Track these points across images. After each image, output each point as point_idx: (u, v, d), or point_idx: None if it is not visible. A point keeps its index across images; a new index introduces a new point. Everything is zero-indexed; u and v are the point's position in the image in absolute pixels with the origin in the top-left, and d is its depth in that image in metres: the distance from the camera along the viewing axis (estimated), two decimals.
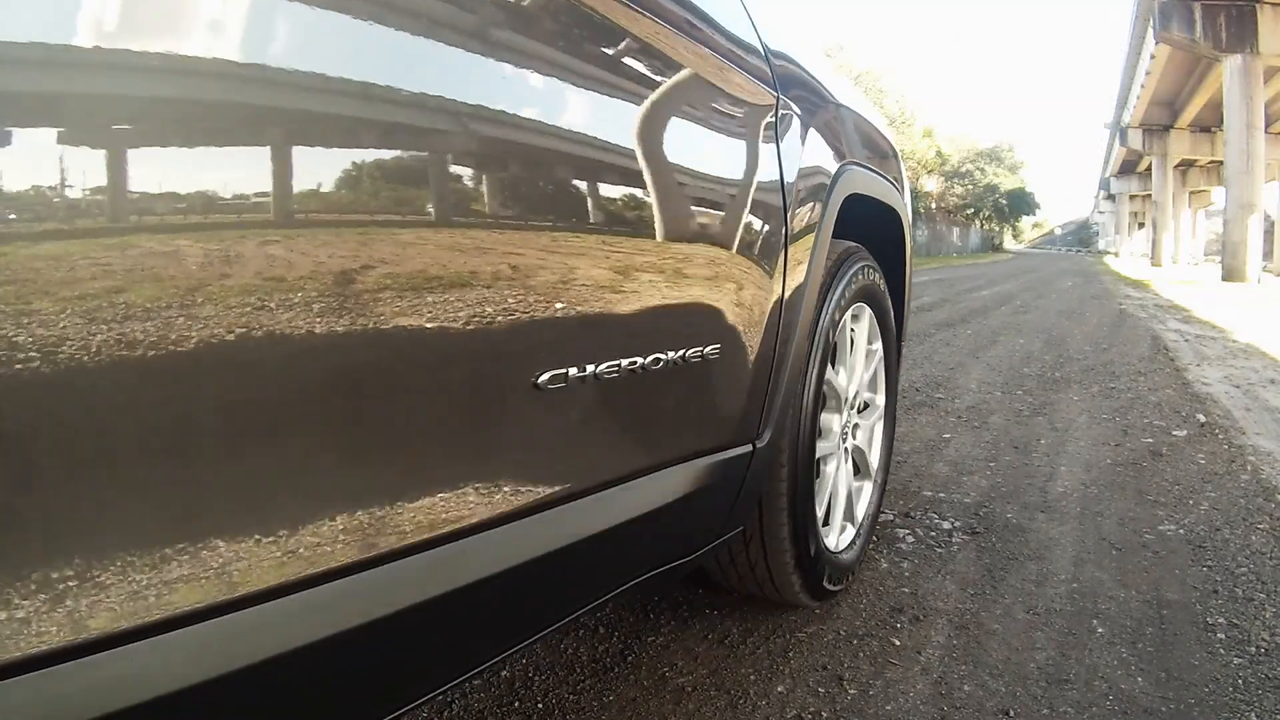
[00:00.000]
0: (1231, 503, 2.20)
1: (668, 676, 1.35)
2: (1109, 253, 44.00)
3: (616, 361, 0.84)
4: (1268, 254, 20.26)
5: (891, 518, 2.07)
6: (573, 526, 0.83)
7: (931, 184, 38.74)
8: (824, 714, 1.24)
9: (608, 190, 0.83)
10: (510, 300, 0.69)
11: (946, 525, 2.03)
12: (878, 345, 1.77)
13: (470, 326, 0.66)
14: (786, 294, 1.18)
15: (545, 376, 0.75)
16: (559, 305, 0.75)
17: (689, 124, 0.97)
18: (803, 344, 1.28)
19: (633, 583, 1.03)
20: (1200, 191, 37.92)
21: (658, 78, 0.90)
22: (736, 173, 1.07)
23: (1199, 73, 20.36)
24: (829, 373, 1.47)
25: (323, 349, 0.56)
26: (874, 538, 1.92)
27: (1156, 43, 16.80)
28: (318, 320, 0.55)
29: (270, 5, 0.53)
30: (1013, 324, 6.75)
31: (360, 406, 0.60)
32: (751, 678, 1.34)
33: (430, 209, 0.64)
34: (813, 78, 1.40)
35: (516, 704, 1.26)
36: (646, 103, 0.87)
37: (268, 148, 0.53)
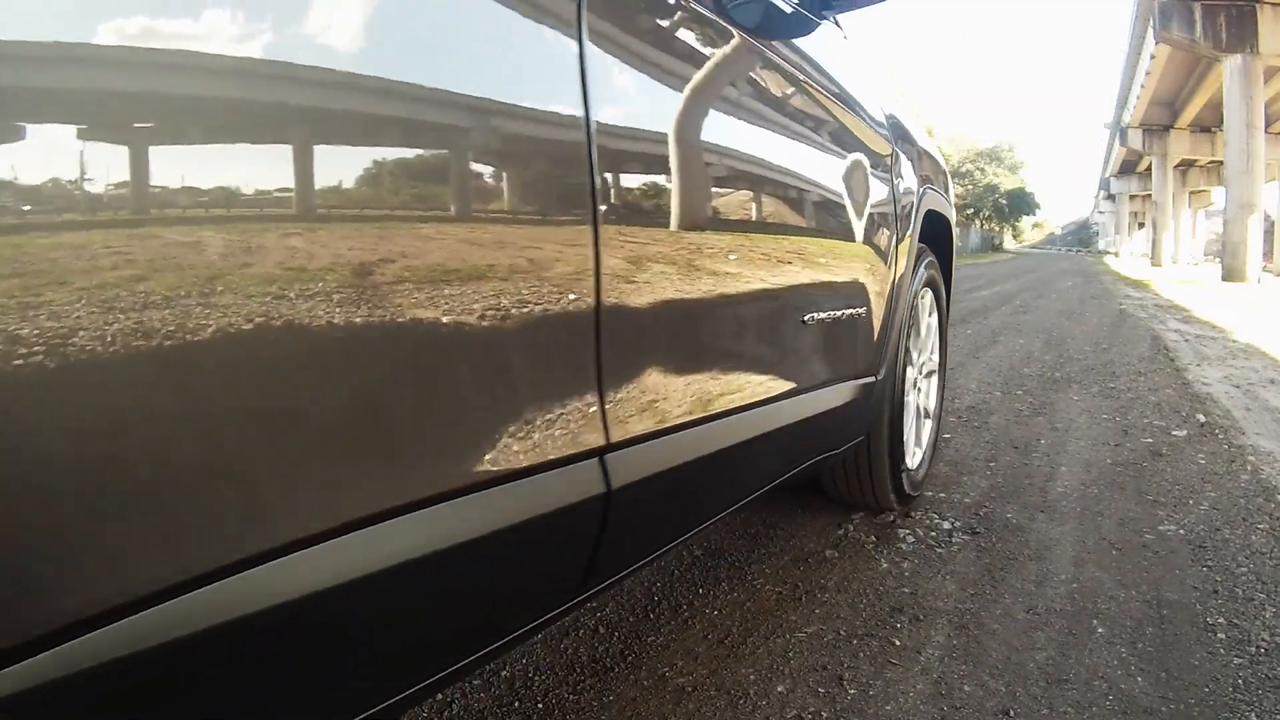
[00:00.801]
0: (1231, 503, 2.21)
1: (668, 676, 1.35)
2: (1109, 253, 43.99)
3: (829, 313, 1.42)
4: (1268, 254, 20.25)
5: (891, 518, 2.07)
6: (804, 409, 1.37)
7: None
8: (824, 714, 1.24)
9: (821, 211, 1.42)
10: (797, 272, 1.29)
11: (946, 525, 2.03)
12: (935, 320, 2.35)
13: (785, 285, 1.25)
14: (894, 278, 1.79)
15: (807, 316, 1.34)
16: (813, 277, 1.36)
17: (857, 168, 1.57)
18: (902, 313, 1.87)
19: (815, 460, 1.60)
20: (1200, 191, 37.91)
21: (848, 140, 1.55)
22: (877, 197, 1.66)
23: (1199, 73, 20.36)
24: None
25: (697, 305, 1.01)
26: (880, 536, 1.93)
27: (1156, 43, 16.80)
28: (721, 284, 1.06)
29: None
30: (1012, 324, 6.75)
31: (720, 330, 1.09)
32: (751, 678, 1.34)
33: (759, 230, 1.19)
34: (908, 130, 2.02)
35: (516, 704, 1.26)
36: (844, 158, 1.51)
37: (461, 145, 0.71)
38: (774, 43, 1.25)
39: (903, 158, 1.90)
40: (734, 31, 1.11)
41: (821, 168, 1.40)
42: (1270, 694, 1.29)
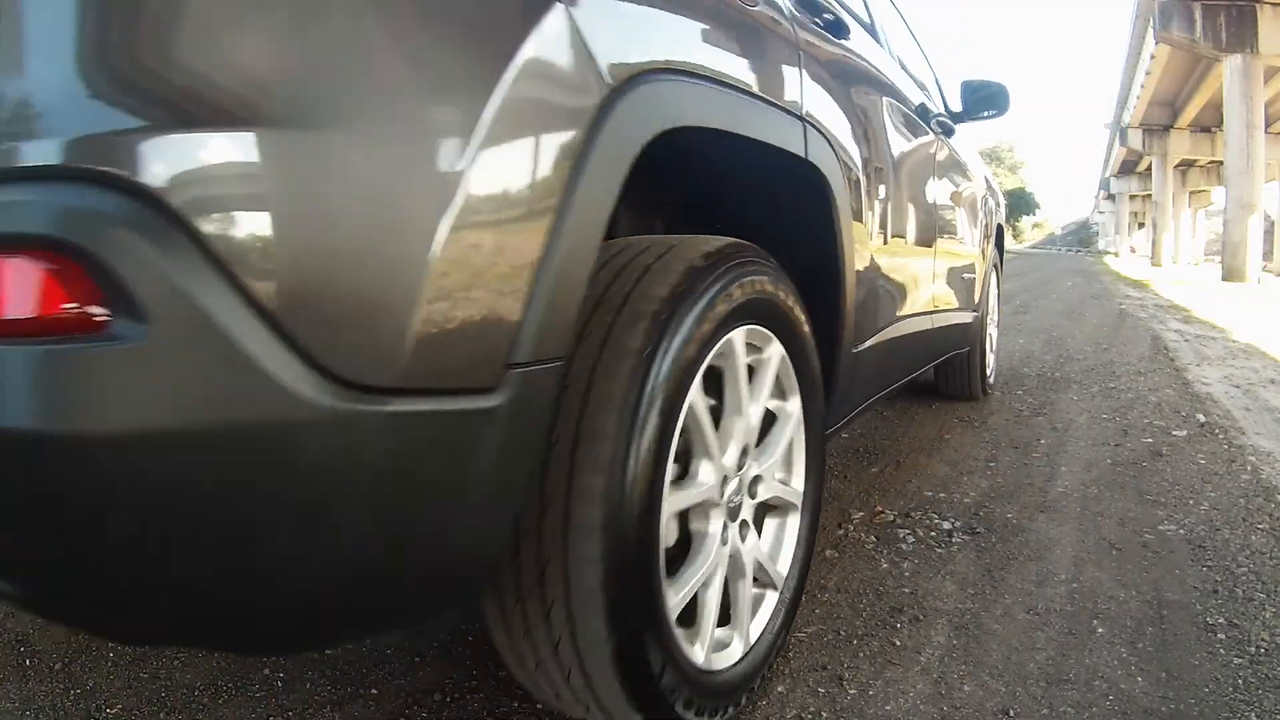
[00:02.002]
0: (1231, 503, 2.21)
1: None
2: (1109, 253, 43.96)
3: (965, 275, 2.88)
4: (1268, 254, 20.24)
5: (892, 518, 2.07)
6: (954, 320, 2.75)
7: None
8: (824, 714, 1.24)
9: (962, 225, 2.84)
10: (955, 251, 2.69)
11: (946, 525, 2.03)
12: (995, 289, 3.82)
13: (953, 256, 2.64)
14: (984, 261, 3.24)
15: (961, 274, 2.81)
16: (960, 255, 2.79)
17: (973, 202, 3.01)
18: (986, 281, 3.35)
19: (951, 353, 2.95)
20: (1200, 191, 37.88)
21: (972, 188, 2.99)
22: (979, 219, 3.16)
23: (1199, 73, 20.34)
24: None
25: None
26: (880, 536, 1.93)
27: (1156, 43, 16.79)
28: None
29: None
30: (1012, 324, 6.75)
31: (931, 271, 2.36)
32: None
33: (941, 232, 2.49)
34: (989, 177, 3.52)
35: (516, 704, 1.26)
36: (971, 199, 3.00)
37: None
38: (942, 137, 2.51)
39: (989, 196, 3.46)
40: (930, 130, 2.36)
41: (962, 204, 2.80)
42: (1270, 694, 1.29)
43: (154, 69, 0.58)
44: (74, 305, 0.56)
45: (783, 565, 1.33)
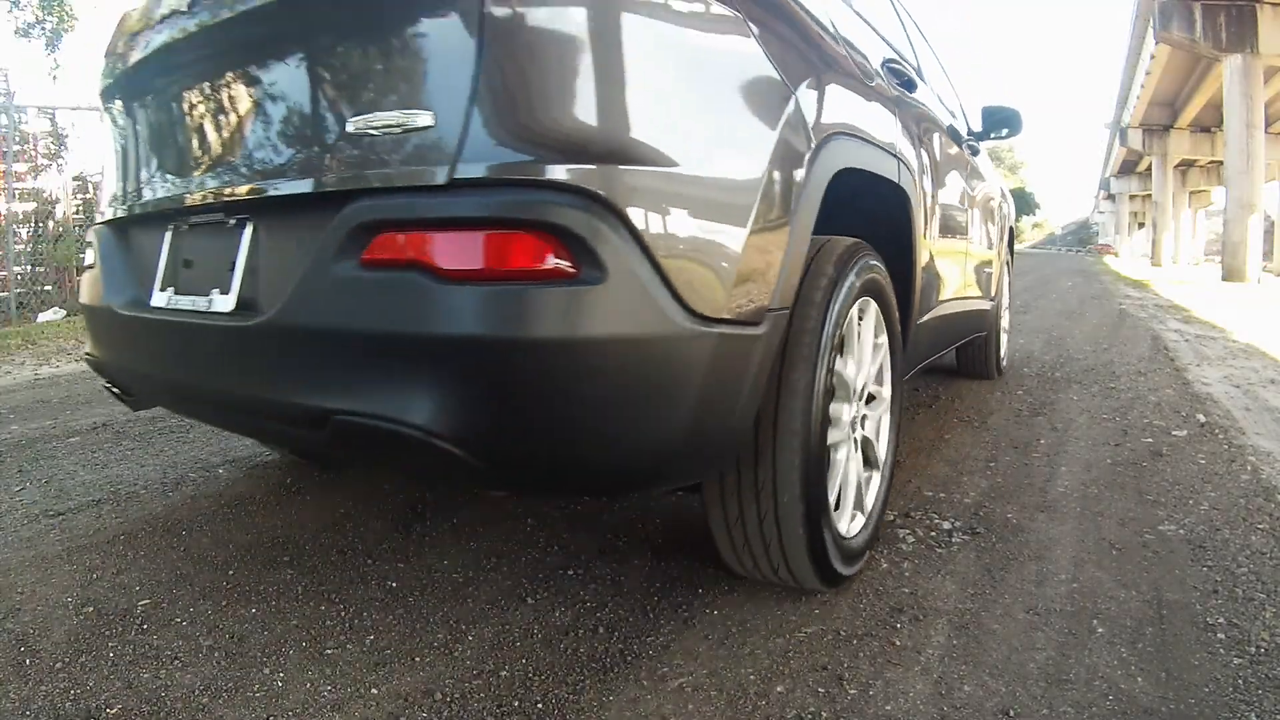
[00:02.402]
0: (1231, 503, 2.20)
1: (668, 676, 1.34)
2: (1109, 252, 43.93)
3: (987, 269, 3.41)
4: (1268, 254, 20.23)
5: (891, 518, 2.07)
6: (977, 306, 3.25)
7: None
8: (824, 714, 1.24)
9: (984, 226, 3.31)
10: (980, 252, 3.21)
11: (946, 525, 2.03)
12: (1009, 283, 4.30)
13: (978, 255, 3.15)
14: (1000, 258, 3.79)
15: (984, 270, 3.34)
16: (984, 251, 3.31)
17: (993, 208, 3.56)
18: (1002, 275, 3.94)
19: (974, 335, 3.53)
20: (1200, 191, 37.87)
21: (991, 197, 3.55)
22: (998, 221, 3.72)
23: (1199, 73, 20.34)
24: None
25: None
26: (880, 536, 1.93)
27: (1156, 43, 16.79)
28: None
29: None
30: (1012, 324, 6.75)
31: (962, 268, 2.87)
32: (751, 678, 1.34)
33: (974, 234, 3.08)
34: (1004, 185, 3.94)
35: (516, 704, 1.26)
36: (991, 205, 3.53)
37: None
38: (971, 156, 3.02)
39: (1003, 203, 3.93)
40: (964, 153, 2.85)
41: (984, 211, 3.28)
42: (1270, 694, 1.29)
43: (607, 130, 1.05)
44: (564, 262, 0.99)
45: (881, 449, 1.85)
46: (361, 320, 1.03)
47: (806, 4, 1.58)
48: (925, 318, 2.31)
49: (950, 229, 2.56)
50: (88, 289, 1.74)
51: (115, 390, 1.74)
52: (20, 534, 1.95)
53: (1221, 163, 18.51)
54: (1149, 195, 34.08)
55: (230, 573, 1.73)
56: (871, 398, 1.82)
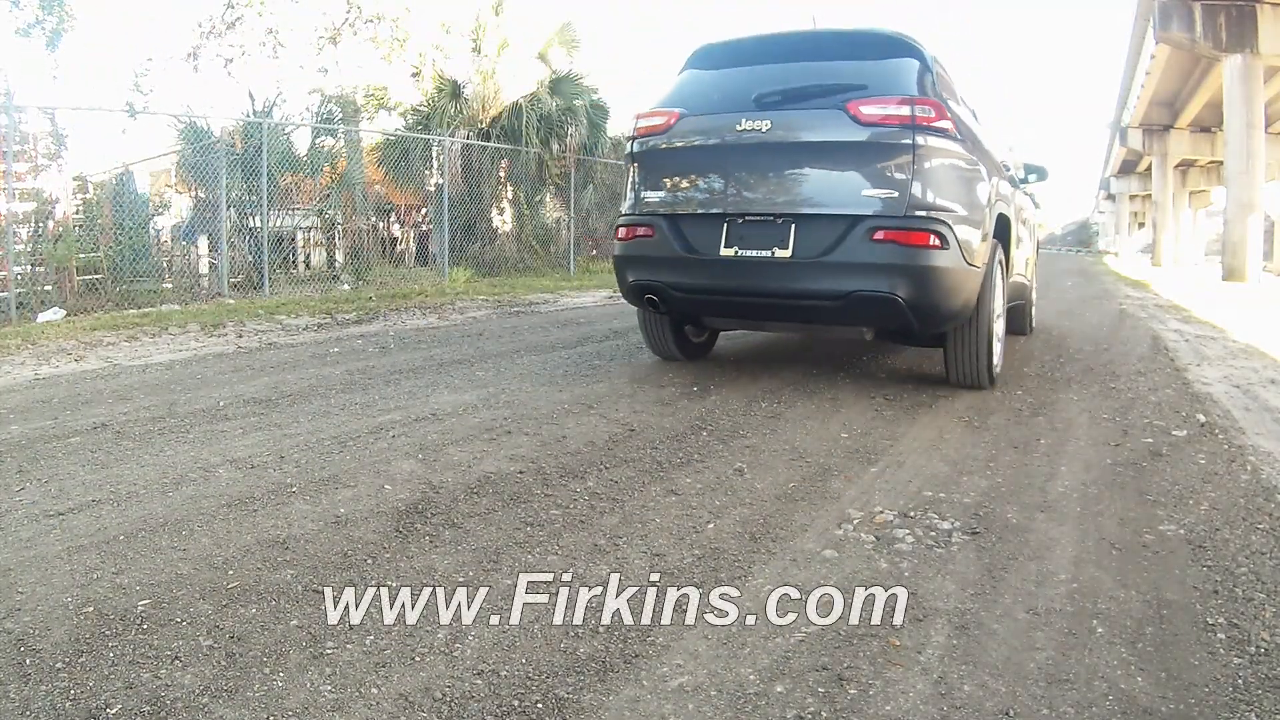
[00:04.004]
0: (1231, 503, 2.20)
1: (668, 676, 1.35)
2: (1109, 253, 43.93)
3: (1025, 259, 5.30)
4: (1268, 254, 20.22)
5: (890, 518, 2.07)
6: (1022, 280, 5.30)
7: None
8: (824, 714, 1.24)
9: (1030, 236, 5.67)
10: (1026, 253, 5.45)
11: (946, 525, 2.03)
12: (1034, 263, 6.19)
13: (1025, 255, 5.38)
14: (1032, 250, 5.99)
15: (1026, 253, 5.41)
16: (1027, 250, 5.51)
17: (1030, 220, 5.78)
18: (1032, 263, 6.00)
19: (1021, 300, 5.47)
20: (1200, 191, 37.84)
21: (1029, 214, 5.68)
22: (1033, 227, 6.04)
23: (1199, 73, 20.33)
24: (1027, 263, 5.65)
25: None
26: (879, 536, 1.93)
27: (1156, 43, 16.78)
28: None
29: None
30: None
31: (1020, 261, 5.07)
32: (751, 678, 1.34)
33: (1026, 242, 5.42)
34: (1036, 199, 6.26)
35: (516, 704, 1.26)
36: (1031, 220, 5.84)
37: None
38: (1022, 190, 5.02)
39: (1035, 214, 5.91)
40: (1019, 191, 4.81)
41: (1028, 224, 5.37)
42: (1270, 694, 1.29)
43: (946, 200, 3.28)
44: (938, 242, 3.16)
45: (1000, 330, 3.83)
46: (870, 258, 3.17)
47: (990, 150, 3.87)
48: (1010, 279, 4.18)
49: (1019, 234, 4.68)
50: (644, 246, 3.62)
51: (654, 300, 3.65)
52: (20, 534, 1.95)
53: (1221, 163, 18.50)
54: (1149, 195, 34.07)
55: (230, 573, 1.73)
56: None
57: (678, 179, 3.56)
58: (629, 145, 3.74)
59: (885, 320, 3.34)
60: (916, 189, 3.12)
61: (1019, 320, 5.41)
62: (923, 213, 3.11)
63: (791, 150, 3.32)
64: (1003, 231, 3.85)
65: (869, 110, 3.17)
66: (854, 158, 3.22)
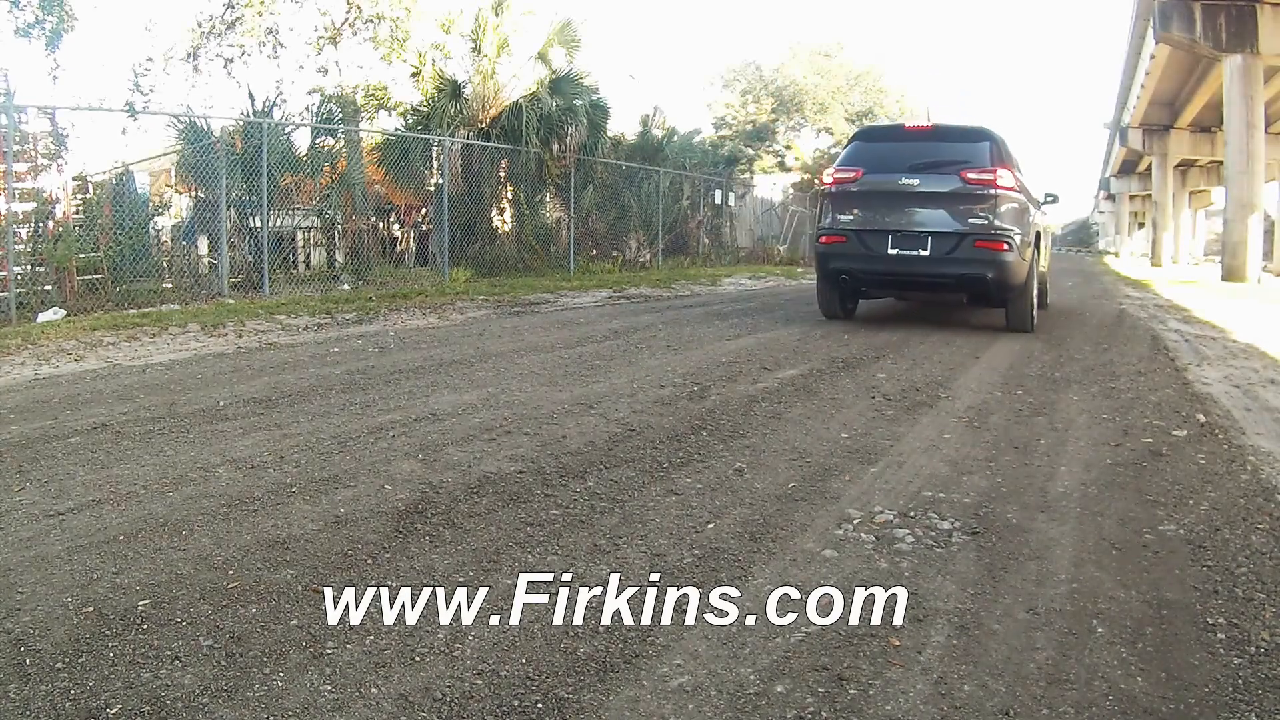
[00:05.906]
0: (1231, 503, 2.20)
1: (668, 676, 1.35)
2: (1109, 253, 43.92)
3: (1043, 252, 7.62)
4: (1268, 254, 20.21)
5: (890, 518, 2.07)
6: (1043, 269, 8.20)
7: None
8: (824, 714, 1.24)
9: (1044, 236, 7.99)
10: (1047, 241, 8.83)
11: (946, 525, 2.03)
12: (1048, 259, 8.70)
13: (1045, 247, 8.14)
14: (1046, 247, 8.27)
15: (1047, 254, 8.38)
16: (1046, 244, 8.17)
17: (1046, 225, 8.76)
18: (1047, 253, 8.67)
19: (1044, 283, 8.48)
20: (1200, 191, 37.84)
21: (1048, 221, 9.08)
22: (1048, 235, 9.57)
23: (1199, 73, 20.33)
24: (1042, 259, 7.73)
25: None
26: (879, 536, 1.93)
27: (1156, 43, 16.78)
28: None
29: None
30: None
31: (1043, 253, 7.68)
32: (752, 677, 1.34)
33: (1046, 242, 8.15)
34: (1044, 214, 8.21)
35: (516, 704, 1.26)
36: (1048, 226, 9.92)
37: None
38: (1042, 211, 7.42)
39: (1048, 222, 8.87)
40: (1035, 205, 6.77)
41: (1045, 232, 7.96)
42: (1270, 694, 1.29)
43: (1011, 223, 5.96)
44: (1008, 247, 5.84)
45: (1035, 292, 6.46)
46: (972, 256, 5.84)
47: (1030, 189, 6.60)
48: (1040, 269, 6.65)
49: (1042, 240, 6.92)
50: (839, 248, 6.34)
51: (845, 279, 6.50)
52: (20, 534, 1.95)
53: (1221, 163, 18.50)
54: (1149, 195, 34.06)
55: (230, 573, 1.73)
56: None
57: (861, 209, 6.22)
58: (825, 187, 6.60)
59: (978, 289, 5.97)
60: (995, 218, 5.78)
61: (1042, 296, 7.33)
62: (999, 231, 5.76)
63: (930, 196, 5.99)
64: (1037, 241, 6.42)
65: (970, 175, 5.84)
66: (963, 201, 5.86)
